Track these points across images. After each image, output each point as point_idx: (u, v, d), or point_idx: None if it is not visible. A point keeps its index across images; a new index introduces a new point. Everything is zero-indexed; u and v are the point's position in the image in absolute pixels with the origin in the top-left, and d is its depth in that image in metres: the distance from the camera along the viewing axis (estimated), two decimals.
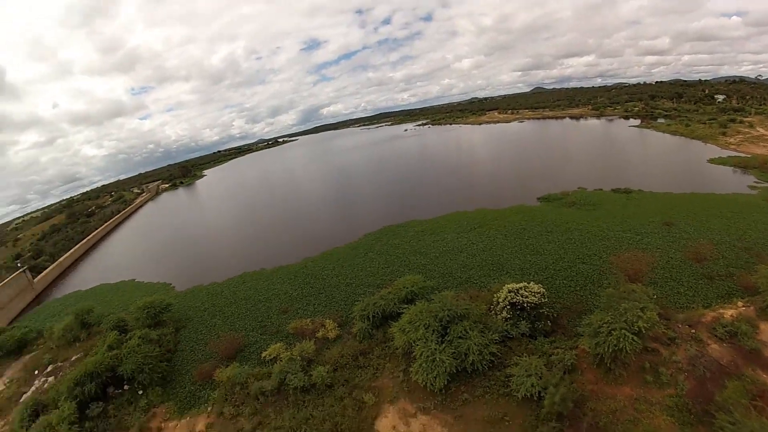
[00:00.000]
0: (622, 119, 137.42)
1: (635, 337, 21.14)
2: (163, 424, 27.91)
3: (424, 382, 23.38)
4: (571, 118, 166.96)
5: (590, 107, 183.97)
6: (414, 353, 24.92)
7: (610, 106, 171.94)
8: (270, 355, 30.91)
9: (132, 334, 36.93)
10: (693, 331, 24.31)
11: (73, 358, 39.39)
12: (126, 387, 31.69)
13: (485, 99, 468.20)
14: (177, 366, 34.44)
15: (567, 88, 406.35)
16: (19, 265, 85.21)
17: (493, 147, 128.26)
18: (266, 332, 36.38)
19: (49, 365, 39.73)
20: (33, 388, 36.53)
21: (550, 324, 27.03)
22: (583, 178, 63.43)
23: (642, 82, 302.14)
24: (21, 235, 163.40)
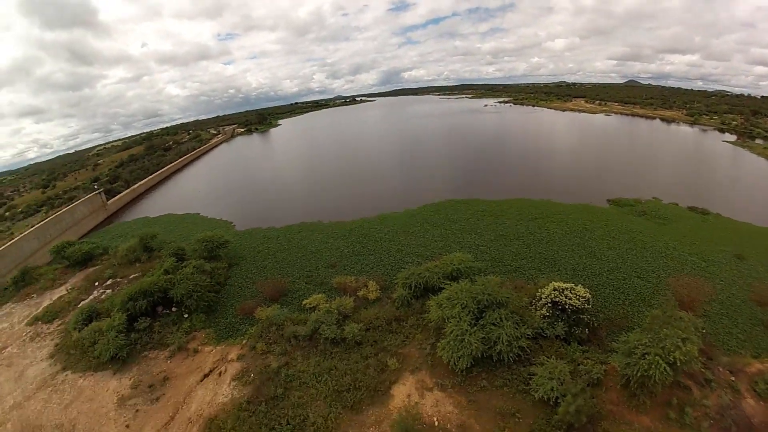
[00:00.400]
0: (717, 131, 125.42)
1: (668, 368, 19.69)
2: (199, 347, 30.09)
3: (448, 360, 23.48)
4: (662, 120, 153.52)
5: (684, 111, 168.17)
6: (445, 330, 24.98)
7: (707, 115, 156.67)
8: (310, 304, 32.24)
9: (188, 263, 39.71)
10: (733, 378, 22.48)
11: (131, 276, 42.82)
12: (174, 309, 34.27)
13: (574, 84, 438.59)
14: (223, 298, 36.75)
15: (663, 87, 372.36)
16: (95, 186, 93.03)
17: (571, 137, 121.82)
18: (311, 282, 37.82)
19: (108, 279, 43.43)
20: (91, 297, 40.18)
21: (587, 332, 25.94)
22: (660, 188, 59.02)
23: (747, 94, 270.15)
24: (101, 161, 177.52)
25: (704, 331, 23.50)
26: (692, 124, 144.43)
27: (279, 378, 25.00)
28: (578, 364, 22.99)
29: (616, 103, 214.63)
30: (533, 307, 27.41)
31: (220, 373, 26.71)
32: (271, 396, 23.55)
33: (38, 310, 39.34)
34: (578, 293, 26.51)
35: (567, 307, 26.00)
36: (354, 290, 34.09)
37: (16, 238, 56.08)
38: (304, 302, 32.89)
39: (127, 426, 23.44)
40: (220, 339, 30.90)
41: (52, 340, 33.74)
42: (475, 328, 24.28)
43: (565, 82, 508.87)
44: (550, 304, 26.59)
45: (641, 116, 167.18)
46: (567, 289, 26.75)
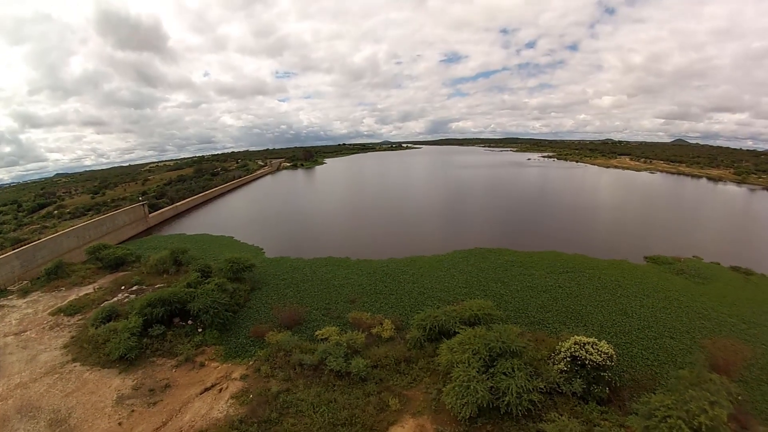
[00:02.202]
0: (765, 191, 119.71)
1: None
2: (206, 362, 30.18)
3: (451, 406, 22.20)
4: (709, 179, 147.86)
5: (732, 170, 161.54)
6: (452, 374, 23.85)
7: (755, 174, 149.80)
8: (322, 335, 31.79)
9: (211, 280, 40.53)
10: None
11: (157, 286, 44.10)
12: (190, 322, 34.69)
13: (620, 142, 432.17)
14: (239, 319, 37.10)
15: (711, 146, 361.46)
16: (140, 199, 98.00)
17: (612, 193, 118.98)
18: (328, 314, 37.59)
19: (134, 285, 45.04)
20: (115, 299, 41.72)
21: (608, 392, 23.98)
22: (702, 246, 55.99)
23: None
24: (151, 177, 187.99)
25: (740, 397, 21.22)
26: (740, 183, 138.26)
27: (276, 402, 24.40)
28: (594, 425, 21.18)
29: (662, 162, 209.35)
30: (551, 360, 25.89)
31: (220, 390, 26.45)
32: (264, 419, 22.91)
33: (63, 303, 41.54)
34: (601, 348, 24.70)
35: (587, 362, 24.26)
36: (368, 327, 33.49)
37: (56, 234, 58.94)
38: (316, 333, 32.57)
39: (120, 424, 23.53)
40: (228, 357, 30.87)
41: (69, 332, 35.23)
42: (485, 375, 23.02)
43: (611, 139, 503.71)
44: (569, 359, 24.90)
45: (687, 175, 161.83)
46: (589, 343, 25.02)
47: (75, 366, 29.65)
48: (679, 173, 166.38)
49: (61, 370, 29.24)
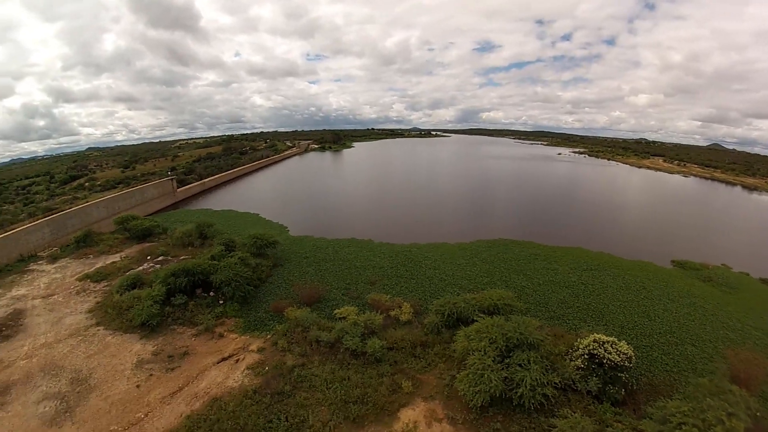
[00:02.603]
0: None
1: None
2: (225, 333, 30.85)
3: (464, 393, 22.14)
4: (744, 187, 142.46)
5: None
6: (467, 362, 23.77)
7: None
8: (340, 314, 32.09)
9: (234, 254, 41.22)
10: None
11: (181, 257, 45.01)
12: (212, 293, 35.43)
13: (654, 142, 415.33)
14: (260, 293, 37.82)
15: (748, 153, 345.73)
16: (169, 173, 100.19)
17: (642, 194, 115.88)
18: (348, 294, 37.93)
19: (160, 256, 46.15)
20: (140, 268, 42.77)
21: (624, 393, 23.50)
22: (732, 255, 54.05)
23: None
24: (181, 153, 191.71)
25: (758, 413, 20.58)
26: None
27: (291, 376, 24.78)
28: (607, 426, 20.80)
29: (696, 165, 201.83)
30: (568, 356, 25.52)
31: (237, 360, 27.00)
32: (278, 391, 23.29)
33: (90, 270, 42.89)
34: (620, 349, 24.18)
35: (605, 361, 23.82)
36: (387, 309, 33.56)
37: (86, 204, 60.73)
38: (335, 312, 32.88)
39: (138, 386, 24.27)
40: (246, 329, 31.49)
41: (95, 297, 36.37)
42: (499, 365, 22.83)
43: (645, 139, 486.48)
44: (586, 356, 24.48)
45: (721, 181, 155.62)
46: (608, 342, 24.54)
47: (98, 330, 30.65)
48: (713, 179, 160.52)
49: (85, 333, 30.24)
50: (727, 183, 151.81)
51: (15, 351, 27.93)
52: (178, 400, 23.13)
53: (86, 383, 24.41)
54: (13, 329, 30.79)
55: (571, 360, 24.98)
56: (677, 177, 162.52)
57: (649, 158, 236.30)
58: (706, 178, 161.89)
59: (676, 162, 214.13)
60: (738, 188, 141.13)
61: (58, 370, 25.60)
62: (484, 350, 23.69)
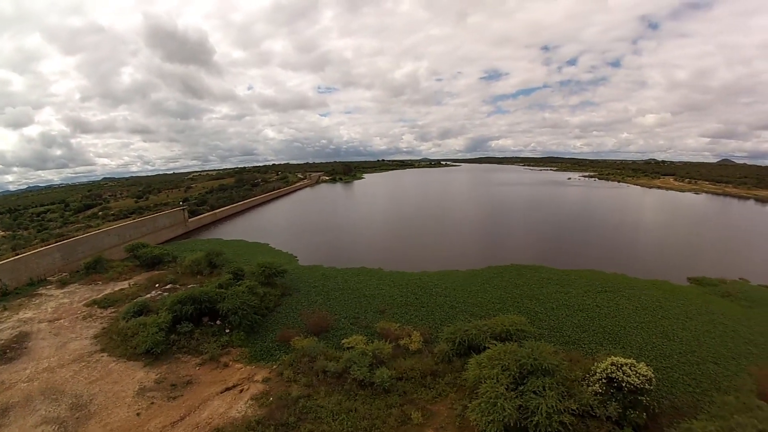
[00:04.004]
0: None
1: None
2: (230, 363, 30.16)
3: (476, 423, 21.12)
4: (757, 200, 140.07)
5: None
6: (479, 390, 22.79)
7: None
8: (348, 344, 31.21)
9: (242, 282, 40.76)
10: None
11: (190, 285, 44.84)
12: (218, 322, 34.84)
13: (663, 162, 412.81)
14: (267, 323, 37.20)
15: (759, 165, 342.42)
16: (181, 203, 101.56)
17: (655, 213, 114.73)
18: (356, 323, 37.17)
19: (168, 284, 46.08)
20: (148, 295, 42.71)
21: (645, 417, 22.33)
22: (749, 268, 52.53)
23: None
24: (194, 185, 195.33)
25: None
26: None
27: (296, 407, 23.94)
28: None
29: (707, 182, 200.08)
30: (585, 381, 24.41)
31: (241, 390, 26.29)
32: (282, 422, 22.45)
33: (98, 296, 43.06)
34: (639, 371, 23.05)
35: (624, 385, 22.70)
36: (396, 338, 32.68)
37: (98, 231, 61.34)
38: (343, 341, 32.05)
39: (138, 414, 23.72)
40: (252, 359, 30.80)
41: (101, 323, 36.33)
42: (513, 393, 21.81)
43: (654, 159, 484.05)
44: (604, 380, 23.37)
45: (733, 196, 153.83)
46: (627, 365, 23.44)
47: (102, 356, 30.42)
48: (725, 194, 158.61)
49: (89, 358, 30.03)
50: (740, 197, 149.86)
51: (17, 373, 27.85)
52: (178, 429, 22.47)
53: (86, 409, 24.02)
54: (17, 351, 30.83)
55: (588, 385, 23.80)
56: (689, 195, 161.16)
57: (659, 178, 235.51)
58: (718, 194, 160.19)
59: (686, 180, 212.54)
60: (751, 201, 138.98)
61: (59, 395, 25.32)
62: (497, 378, 22.69)
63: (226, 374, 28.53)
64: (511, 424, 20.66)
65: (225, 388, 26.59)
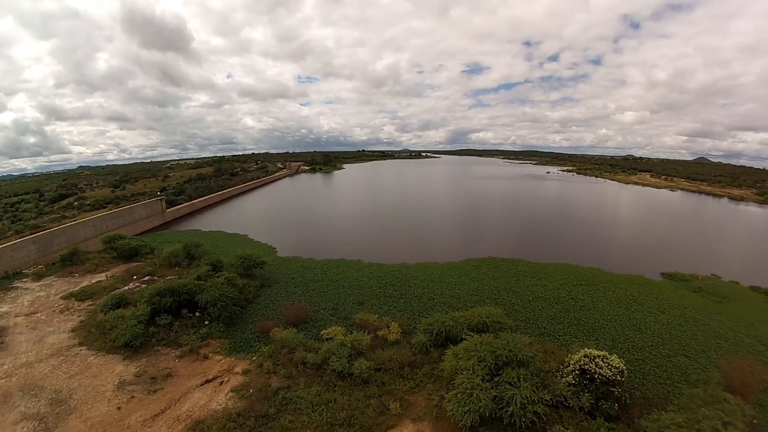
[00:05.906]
0: None
1: None
2: (210, 354, 30.13)
3: (453, 413, 21.60)
4: (731, 198, 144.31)
5: (755, 191, 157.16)
6: (455, 381, 23.28)
7: None
8: (327, 335, 31.44)
9: (221, 274, 40.61)
10: None
11: (168, 277, 44.42)
12: (197, 314, 34.84)
13: (641, 158, 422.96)
14: (246, 314, 37.09)
15: (734, 165, 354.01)
16: (159, 194, 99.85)
17: (632, 209, 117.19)
18: (335, 315, 37.33)
19: (146, 276, 45.55)
20: (126, 287, 42.23)
21: (617, 408, 23.13)
22: (721, 265, 54.58)
23: None
24: (172, 174, 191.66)
25: (755, 420, 20.22)
26: (762, 203, 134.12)
27: (276, 399, 24.14)
28: None
29: (683, 179, 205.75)
30: (559, 372, 25.10)
31: (221, 382, 26.32)
32: (262, 414, 22.65)
33: (75, 288, 42.38)
34: (611, 363, 23.84)
35: (596, 376, 23.44)
36: (375, 329, 33.02)
37: (74, 222, 60.07)
38: (322, 332, 32.23)
39: (119, 408, 23.60)
40: (232, 351, 30.79)
41: (78, 316, 35.77)
42: (489, 384, 22.35)
43: (632, 155, 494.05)
44: (578, 372, 24.10)
45: (708, 194, 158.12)
46: (599, 357, 24.22)
47: (81, 350, 30.00)
48: (700, 192, 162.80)
49: (67, 352, 29.60)
50: (714, 195, 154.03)
51: None
52: (159, 423, 22.43)
53: (66, 404, 23.78)
54: None
55: (562, 376, 24.52)
56: (664, 191, 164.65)
57: (636, 174, 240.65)
58: (693, 192, 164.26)
59: (663, 177, 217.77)
60: (725, 200, 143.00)
61: (38, 390, 24.99)
62: (473, 369, 23.23)
63: (205, 366, 28.46)
64: (487, 414, 21.22)
65: (205, 381, 26.57)
